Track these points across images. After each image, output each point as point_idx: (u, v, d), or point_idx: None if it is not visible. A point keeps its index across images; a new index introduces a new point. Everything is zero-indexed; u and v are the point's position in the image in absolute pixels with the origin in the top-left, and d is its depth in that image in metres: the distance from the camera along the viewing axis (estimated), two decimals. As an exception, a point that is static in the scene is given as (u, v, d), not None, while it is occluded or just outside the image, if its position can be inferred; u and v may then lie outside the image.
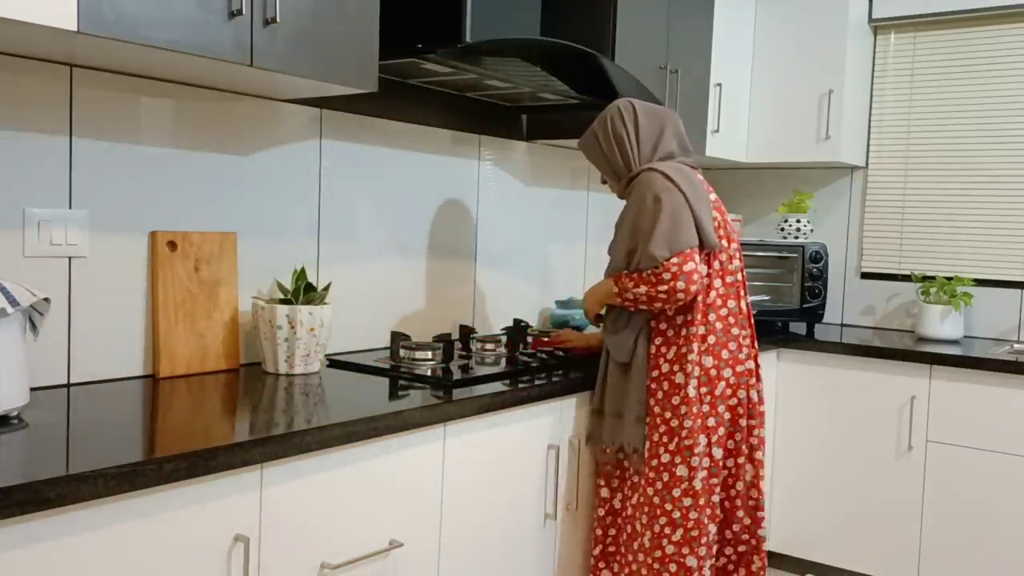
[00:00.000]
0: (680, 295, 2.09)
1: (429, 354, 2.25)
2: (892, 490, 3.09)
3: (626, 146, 2.24)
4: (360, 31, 1.96)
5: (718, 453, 2.19)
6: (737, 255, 2.26)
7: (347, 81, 1.94)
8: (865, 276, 3.72)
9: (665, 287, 2.08)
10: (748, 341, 2.26)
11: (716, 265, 2.20)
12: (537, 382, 2.14)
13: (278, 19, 1.76)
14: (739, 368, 2.22)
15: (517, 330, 2.57)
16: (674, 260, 2.07)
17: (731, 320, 2.21)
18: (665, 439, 2.15)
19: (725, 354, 2.19)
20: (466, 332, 2.58)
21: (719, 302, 2.20)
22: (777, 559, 3.38)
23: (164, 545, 1.39)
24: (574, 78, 2.48)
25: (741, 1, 3.54)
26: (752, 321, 2.29)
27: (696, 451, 2.13)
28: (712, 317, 2.18)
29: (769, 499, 3.34)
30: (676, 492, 2.15)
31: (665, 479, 2.15)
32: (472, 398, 1.92)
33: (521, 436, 2.11)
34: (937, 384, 2.99)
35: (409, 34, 2.17)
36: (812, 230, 3.58)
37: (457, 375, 2.11)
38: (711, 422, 2.17)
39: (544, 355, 2.42)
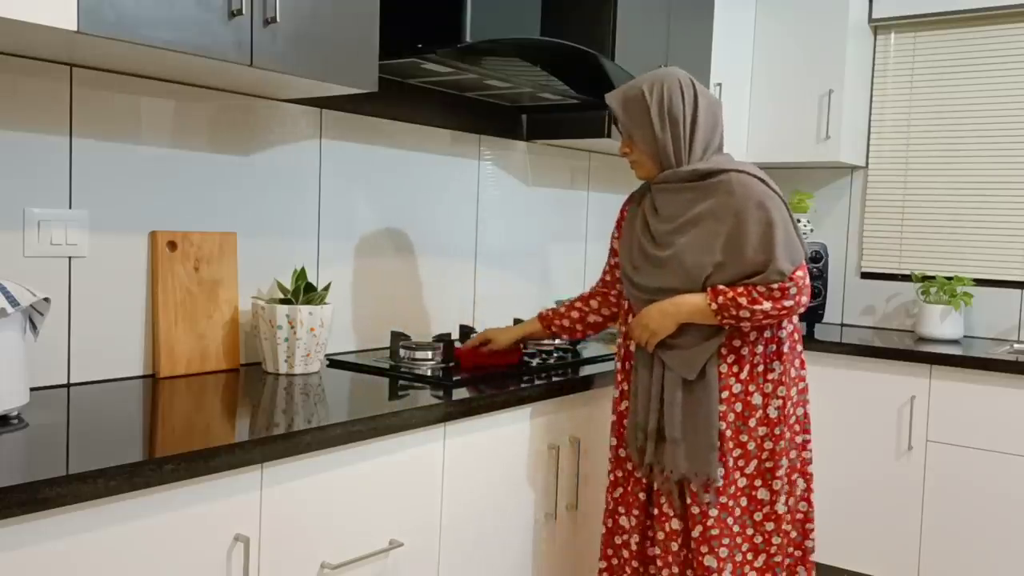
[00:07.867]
0: (800, 310, 1.96)
1: (429, 354, 2.25)
2: (892, 490, 3.09)
3: (680, 130, 1.97)
4: (360, 31, 1.96)
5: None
6: None
7: (347, 81, 1.94)
8: (865, 276, 3.72)
9: (791, 302, 1.92)
10: (804, 357, 2.15)
11: None
12: (537, 382, 2.14)
13: (278, 19, 1.76)
14: (800, 385, 2.10)
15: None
16: (799, 273, 1.93)
17: (795, 336, 2.08)
18: (741, 463, 2.00)
19: (792, 372, 2.06)
20: (466, 332, 2.58)
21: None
22: (777, 559, 3.38)
23: (164, 545, 1.39)
24: (574, 78, 2.48)
25: (741, 1, 3.54)
26: None
27: (778, 474, 2.02)
28: (783, 334, 2.04)
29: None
30: (758, 516, 2.04)
31: (744, 504, 2.03)
32: (472, 398, 1.92)
33: (521, 436, 2.11)
34: (937, 384, 2.99)
35: (409, 34, 2.17)
36: (812, 230, 3.58)
37: (457, 375, 2.11)
38: (782, 444, 2.04)
39: (544, 355, 2.42)
